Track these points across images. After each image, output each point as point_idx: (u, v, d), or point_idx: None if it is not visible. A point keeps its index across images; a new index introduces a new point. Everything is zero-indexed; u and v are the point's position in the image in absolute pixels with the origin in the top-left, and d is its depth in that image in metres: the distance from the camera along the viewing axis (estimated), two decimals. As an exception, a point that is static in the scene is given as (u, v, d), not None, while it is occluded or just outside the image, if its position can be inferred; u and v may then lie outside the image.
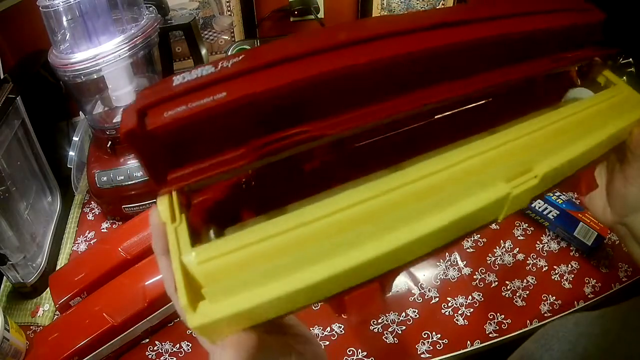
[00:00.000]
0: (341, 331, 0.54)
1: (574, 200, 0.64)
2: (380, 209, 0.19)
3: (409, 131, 0.27)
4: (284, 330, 0.25)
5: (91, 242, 0.66)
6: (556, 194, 0.64)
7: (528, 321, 0.54)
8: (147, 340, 0.54)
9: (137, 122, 0.17)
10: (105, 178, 0.62)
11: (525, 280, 0.58)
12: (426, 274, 0.59)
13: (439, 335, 0.53)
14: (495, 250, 0.61)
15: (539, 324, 0.54)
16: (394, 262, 0.20)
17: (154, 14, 0.62)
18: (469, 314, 0.55)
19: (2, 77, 0.59)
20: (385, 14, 0.91)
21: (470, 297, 0.56)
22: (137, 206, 0.64)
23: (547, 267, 0.59)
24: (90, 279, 0.54)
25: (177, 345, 0.54)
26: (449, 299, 0.56)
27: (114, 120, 0.62)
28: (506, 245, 0.62)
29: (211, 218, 0.23)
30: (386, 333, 0.54)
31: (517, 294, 0.57)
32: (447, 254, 0.61)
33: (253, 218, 0.23)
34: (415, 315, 0.55)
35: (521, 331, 0.53)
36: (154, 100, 0.18)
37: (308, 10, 0.85)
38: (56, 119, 0.76)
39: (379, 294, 0.22)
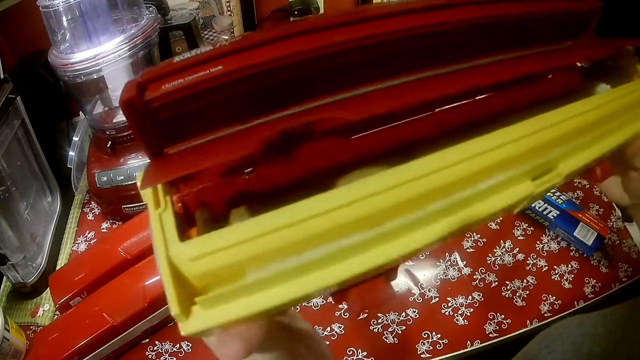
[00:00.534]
0: (341, 331, 0.54)
1: (574, 200, 0.64)
2: (403, 201, 0.18)
3: (424, 119, 0.26)
4: (289, 320, 0.25)
5: (91, 242, 0.66)
6: (556, 194, 0.64)
7: (528, 321, 0.54)
8: (147, 340, 0.55)
9: (136, 92, 0.17)
10: (105, 178, 0.62)
11: (525, 280, 0.58)
12: (426, 274, 0.59)
13: (439, 335, 0.53)
14: (495, 250, 0.61)
15: (539, 324, 0.54)
16: (412, 255, 0.19)
17: (154, 14, 0.62)
18: (469, 314, 0.55)
19: (2, 77, 0.59)
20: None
21: (470, 297, 0.56)
22: (137, 206, 0.64)
23: (547, 267, 0.59)
24: (90, 279, 0.54)
25: (177, 345, 0.54)
26: (449, 299, 0.56)
27: (114, 120, 0.62)
28: (506, 245, 0.62)
29: (204, 204, 0.22)
30: (386, 333, 0.54)
31: (517, 294, 0.57)
32: (447, 253, 0.61)
33: (251, 206, 0.22)
34: (415, 315, 0.55)
35: (521, 331, 0.53)
36: (154, 75, 0.18)
37: (308, 10, 0.85)
38: (56, 119, 0.76)
39: (383, 281, 0.21)
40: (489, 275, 0.59)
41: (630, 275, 0.58)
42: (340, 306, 0.56)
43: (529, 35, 0.27)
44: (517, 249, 0.61)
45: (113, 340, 0.50)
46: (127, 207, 0.64)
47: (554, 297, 0.56)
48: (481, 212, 0.20)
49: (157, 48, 0.62)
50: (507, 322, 0.54)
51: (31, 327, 0.57)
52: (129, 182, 0.62)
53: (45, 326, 0.55)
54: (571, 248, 0.61)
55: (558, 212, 0.61)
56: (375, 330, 0.54)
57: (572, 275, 0.58)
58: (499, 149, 0.20)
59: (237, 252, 0.16)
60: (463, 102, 0.27)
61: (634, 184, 0.30)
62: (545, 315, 0.55)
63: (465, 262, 0.60)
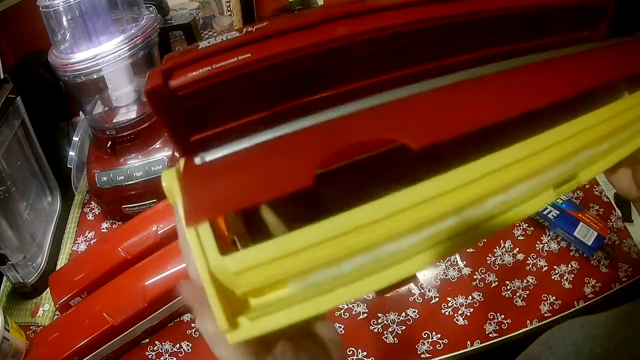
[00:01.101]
0: (341, 331, 0.54)
1: (574, 200, 0.64)
2: (439, 212, 0.18)
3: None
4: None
5: (91, 242, 0.66)
6: (556, 194, 0.64)
7: (528, 321, 0.54)
8: (147, 340, 0.54)
9: (162, 81, 0.17)
10: (105, 178, 0.62)
11: (525, 280, 0.58)
12: (426, 274, 0.59)
13: (439, 335, 0.53)
14: (495, 250, 0.61)
15: (539, 324, 0.54)
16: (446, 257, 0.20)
17: (154, 14, 0.62)
18: (469, 314, 0.55)
19: (2, 77, 0.59)
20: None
21: (470, 297, 0.56)
22: (137, 206, 0.64)
23: (547, 267, 0.59)
24: (90, 279, 0.54)
25: (177, 345, 0.54)
26: (449, 299, 0.56)
27: (114, 120, 0.62)
28: (506, 245, 0.62)
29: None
30: (386, 333, 0.54)
31: (517, 294, 0.57)
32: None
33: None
34: (415, 315, 0.55)
35: (521, 331, 0.53)
36: (179, 62, 0.18)
37: (308, 10, 0.84)
38: (56, 119, 0.76)
39: None
40: (489, 275, 0.59)
41: (630, 275, 0.58)
42: (340, 306, 0.56)
43: (540, 28, 0.26)
44: (517, 249, 0.61)
45: (113, 340, 0.50)
46: (127, 207, 0.64)
47: (554, 297, 0.56)
48: (508, 220, 0.20)
49: (157, 48, 0.62)
50: (507, 322, 0.54)
51: (31, 327, 0.57)
52: (129, 182, 0.62)
53: (45, 326, 0.55)
54: (571, 248, 0.61)
55: (558, 212, 0.61)
56: (375, 330, 0.54)
57: (572, 275, 0.58)
58: (529, 159, 0.20)
59: (280, 266, 0.16)
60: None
61: None
62: (545, 315, 0.55)
63: (465, 262, 0.60)
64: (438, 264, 0.60)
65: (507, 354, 0.46)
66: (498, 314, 0.55)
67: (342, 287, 0.17)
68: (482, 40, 0.24)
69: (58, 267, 0.63)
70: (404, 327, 0.54)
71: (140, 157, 0.63)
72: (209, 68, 0.17)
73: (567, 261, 0.60)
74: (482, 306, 0.56)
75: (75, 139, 0.65)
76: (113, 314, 0.50)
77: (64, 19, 0.55)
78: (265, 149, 0.19)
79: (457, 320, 0.54)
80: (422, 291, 0.57)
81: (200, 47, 0.18)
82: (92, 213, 0.70)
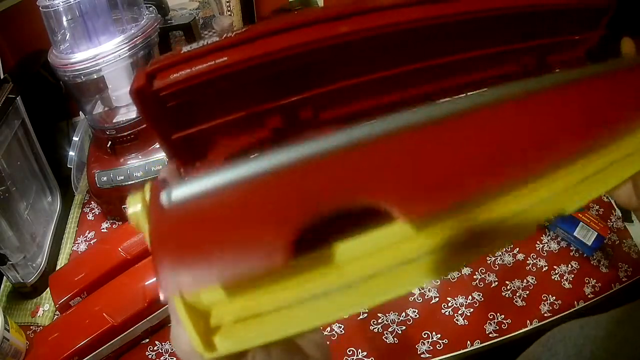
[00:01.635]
0: (341, 331, 0.54)
1: (574, 200, 0.64)
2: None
3: None
4: None
5: (91, 242, 0.66)
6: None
7: (528, 321, 0.54)
8: (147, 340, 0.54)
9: (145, 81, 0.18)
10: (105, 178, 0.62)
11: (525, 280, 0.58)
12: (426, 274, 0.59)
13: (439, 335, 0.53)
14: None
15: (539, 324, 0.54)
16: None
17: (154, 14, 0.62)
18: (469, 314, 0.55)
19: (2, 77, 0.59)
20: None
21: (470, 297, 0.56)
22: (137, 206, 0.64)
23: (547, 267, 0.59)
24: (90, 279, 0.54)
25: (177, 345, 0.54)
26: (449, 299, 0.56)
27: (114, 120, 0.62)
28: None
29: None
30: (386, 333, 0.54)
31: (517, 294, 0.57)
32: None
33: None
34: (415, 315, 0.55)
35: (521, 331, 0.53)
36: (162, 64, 0.19)
37: (308, 10, 0.85)
38: (56, 119, 0.76)
39: None
40: (489, 275, 0.59)
41: (630, 275, 0.58)
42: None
43: (538, 28, 0.26)
44: (517, 249, 0.61)
45: (113, 340, 0.50)
46: (127, 207, 0.64)
47: (554, 297, 0.56)
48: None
49: (157, 48, 0.62)
50: (507, 322, 0.54)
51: (31, 327, 0.57)
52: (129, 182, 0.62)
53: (45, 326, 0.55)
54: (571, 248, 0.61)
55: (558, 212, 0.61)
56: (375, 330, 0.54)
57: (572, 275, 0.58)
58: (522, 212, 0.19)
59: (254, 302, 0.17)
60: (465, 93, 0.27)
61: None
62: (545, 315, 0.55)
63: (465, 262, 0.60)
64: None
65: (507, 354, 0.46)
66: (498, 314, 0.55)
67: (320, 310, 0.17)
68: (474, 41, 0.24)
69: (58, 267, 0.63)
70: (404, 327, 0.54)
71: (140, 157, 0.63)
72: (189, 70, 0.19)
73: (567, 261, 0.60)
74: (482, 306, 0.56)
75: (75, 139, 0.65)
76: (113, 314, 0.50)
77: (64, 19, 0.55)
78: (235, 204, 0.18)
79: (457, 320, 0.54)
80: (422, 291, 0.57)
81: (182, 50, 0.20)
82: (92, 213, 0.70)
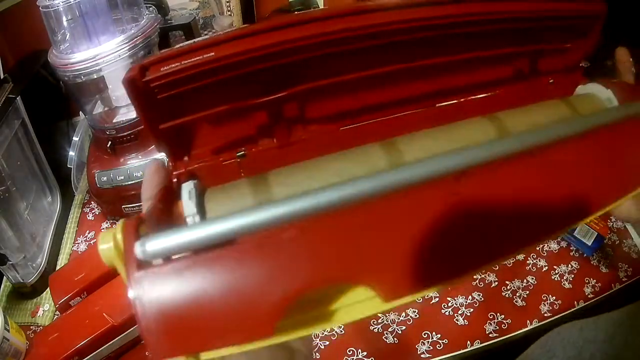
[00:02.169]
0: (341, 331, 0.54)
1: (574, 200, 0.64)
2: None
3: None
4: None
5: (91, 242, 0.66)
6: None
7: (528, 321, 0.54)
8: (147, 340, 0.54)
9: (138, 72, 0.19)
10: (105, 178, 0.62)
11: (525, 280, 0.58)
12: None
13: (439, 335, 0.53)
14: (495, 250, 0.61)
15: (539, 324, 0.54)
16: None
17: (154, 14, 0.62)
18: (469, 314, 0.55)
19: (2, 77, 0.59)
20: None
21: (470, 297, 0.56)
22: (137, 206, 0.64)
23: (547, 267, 0.59)
24: (90, 279, 0.54)
25: (177, 345, 0.54)
26: (449, 299, 0.56)
27: (114, 120, 0.62)
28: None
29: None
30: (386, 333, 0.54)
31: (517, 294, 0.57)
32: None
33: None
34: (415, 315, 0.55)
35: (521, 331, 0.53)
36: (156, 59, 0.20)
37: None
38: (56, 119, 0.76)
39: None
40: (489, 275, 0.59)
41: (630, 275, 0.58)
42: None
43: (530, 34, 0.27)
44: (517, 249, 0.61)
45: (113, 340, 0.50)
46: (127, 207, 0.64)
47: (554, 297, 0.56)
48: None
49: (157, 48, 0.62)
50: (507, 322, 0.54)
51: (31, 327, 0.57)
52: (129, 182, 0.62)
53: (45, 326, 0.55)
54: (571, 248, 0.61)
55: (558, 212, 0.61)
56: (375, 330, 0.54)
57: (572, 276, 0.58)
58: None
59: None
60: (457, 96, 0.27)
61: None
62: (545, 315, 0.55)
63: (465, 262, 0.60)
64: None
65: (507, 354, 0.46)
66: (498, 314, 0.55)
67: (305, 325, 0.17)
68: (464, 44, 0.24)
69: (58, 267, 0.63)
70: (404, 327, 0.54)
71: (140, 157, 0.63)
72: (178, 64, 0.20)
73: (567, 261, 0.60)
74: (482, 306, 0.56)
75: (75, 139, 0.65)
76: (113, 314, 0.50)
77: (64, 19, 0.55)
78: (214, 276, 0.17)
79: (457, 320, 0.54)
80: (422, 291, 0.57)
81: (176, 47, 0.21)
82: (92, 213, 0.70)
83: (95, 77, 0.56)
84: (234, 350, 0.16)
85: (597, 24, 0.28)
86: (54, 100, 0.71)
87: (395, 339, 0.53)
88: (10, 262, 0.55)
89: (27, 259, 0.59)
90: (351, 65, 0.23)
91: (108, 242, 0.18)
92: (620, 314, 0.39)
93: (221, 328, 0.16)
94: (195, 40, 0.22)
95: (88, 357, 0.49)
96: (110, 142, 0.61)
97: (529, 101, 0.27)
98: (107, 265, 0.18)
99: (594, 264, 0.59)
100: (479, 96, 0.28)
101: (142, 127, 0.61)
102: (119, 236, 0.18)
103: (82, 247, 0.66)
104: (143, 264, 0.17)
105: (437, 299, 0.56)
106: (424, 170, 0.18)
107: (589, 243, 0.58)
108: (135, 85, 0.20)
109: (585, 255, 0.60)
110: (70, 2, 0.53)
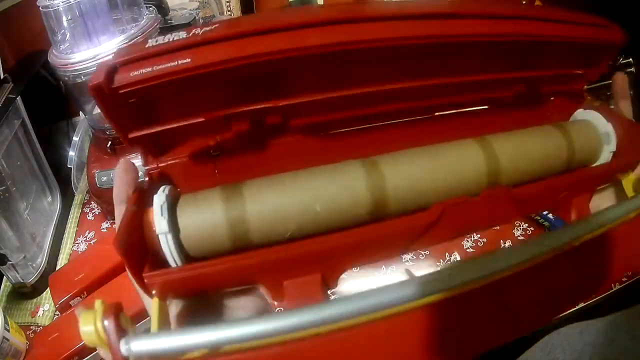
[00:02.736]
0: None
1: (574, 200, 0.64)
2: None
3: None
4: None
5: (91, 242, 0.66)
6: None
7: (528, 321, 0.54)
8: (147, 340, 0.54)
9: (104, 78, 0.18)
10: (105, 178, 0.62)
11: (525, 280, 0.58)
12: (425, 272, 0.59)
13: (439, 335, 0.53)
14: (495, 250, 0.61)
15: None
16: None
17: (154, 14, 0.62)
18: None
19: (2, 77, 0.59)
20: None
21: (470, 297, 0.56)
22: (137, 206, 0.64)
23: (547, 267, 0.59)
24: (90, 279, 0.54)
25: (177, 345, 0.54)
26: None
27: (114, 120, 0.62)
28: (506, 245, 0.62)
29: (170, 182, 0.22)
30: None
31: (517, 294, 0.56)
32: (447, 253, 0.61)
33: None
34: (415, 315, 0.55)
35: (521, 331, 0.53)
36: (126, 59, 0.18)
37: (308, 10, 0.84)
38: (56, 119, 0.76)
39: (321, 287, 0.21)
40: (489, 275, 0.58)
41: (630, 276, 0.58)
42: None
43: (539, 57, 0.26)
44: (517, 249, 0.61)
45: (113, 340, 0.50)
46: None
47: (554, 297, 0.56)
48: None
49: (157, 48, 0.62)
50: (507, 322, 0.54)
51: (31, 327, 0.57)
52: (129, 182, 0.62)
53: (45, 326, 0.55)
54: (571, 248, 0.61)
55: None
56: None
57: (572, 275, 0.58)
58: None
59: None
60: (450, 110, 0.27)
61: None
62: (545, 315, 0.54)
63: (465, 262, 0.60)
64: (437, 263, 0.60)
65: (507, 354, 0.46)
66: (498, 314, 0.54)
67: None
68: (452, 64, 0.24)
69: (58, 267, 0.63)
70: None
71: (140, 157, 0.63)
72: (150, 69, 0.18)
73: (567, 261, 0.60)
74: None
75: (75, 139, 0.65)
76: (113, 314, 0.50)
77: (64, 19, 0.55)
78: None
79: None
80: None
81: (147, 45, 0.19)
82: (92, 213, 0.70)
83: (95, 77, 0.56)
84: None
85: (610, 53, 0.27)
86: (54, 100, 0.71)
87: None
88: (10, 262, 0.55)
89: (27, 259, 0.59)
90: (342, 78, 0.21)
91: (89, 324, 0.18)
92: (620, 316, 0.39)
93: None
94: (170, 37, 0.19)
95: (88, 357, 0.49)
96: (110, 142, 0.61)
97: (526, 119, 0.27)
98: (88, 344, 0.18)
99: (594, 264, 0.59)
100: (475, 108, 0.27)
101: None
102: (99, 325, 0.18)
103: (82, 247, 0.66)
104: None
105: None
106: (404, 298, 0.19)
107: (589, 243, 0.58)
108: (102, 93, 0.18)
109: (585, 255, 0.60)
110: (70, 2, 0.53)
